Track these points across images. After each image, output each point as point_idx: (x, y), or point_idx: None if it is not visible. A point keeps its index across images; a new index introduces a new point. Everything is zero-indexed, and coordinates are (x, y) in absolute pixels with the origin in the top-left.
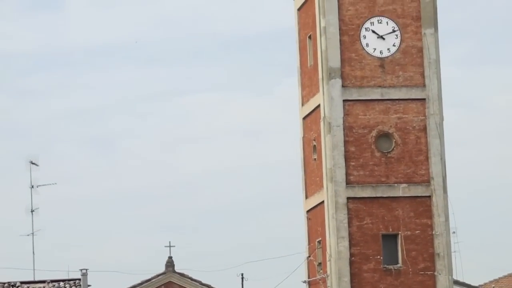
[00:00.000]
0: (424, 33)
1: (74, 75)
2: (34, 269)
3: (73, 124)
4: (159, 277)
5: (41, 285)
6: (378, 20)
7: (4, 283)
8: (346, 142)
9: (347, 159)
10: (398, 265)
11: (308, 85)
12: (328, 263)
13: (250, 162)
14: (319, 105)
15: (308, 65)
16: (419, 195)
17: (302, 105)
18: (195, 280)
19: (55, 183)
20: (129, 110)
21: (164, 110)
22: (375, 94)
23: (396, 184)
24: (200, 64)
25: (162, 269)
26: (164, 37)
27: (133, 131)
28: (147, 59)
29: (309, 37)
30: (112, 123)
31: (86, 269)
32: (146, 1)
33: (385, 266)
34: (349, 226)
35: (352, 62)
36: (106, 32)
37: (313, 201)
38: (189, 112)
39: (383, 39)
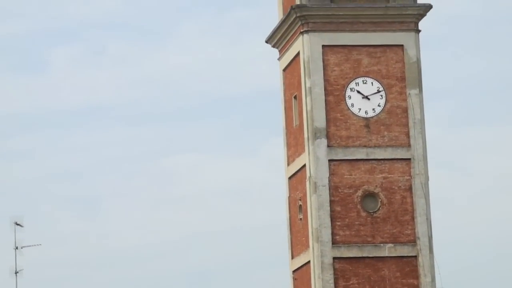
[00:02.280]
0: (409, 94)
1: (59, 136)
2: None
3: (58, 185)
4: None
5: None
6: (363, 81)
7: None
8: (332, 202)
9: (333, 219)
10: None
11: (294, 145)
12: None
13: (236, 222)
14: (304, 165)
15: (294, 125)
16: (405, 255)
17: (288, 165)
18: None
19: (40, 244)
20: (114, 170)
21: (149, 170)
22: (361, 154)
23: (382, 244)
24: (186, 124)
25: None
26: (149, 97)
27: (118, 192)
28: (131, 120)
29: (295, 97)
30: (97, 184)
31: None
32: (131, 62)
33: None
34: (335, 287)
35: (337, 122)
36: (90, 93)
37: (299, 261)
38: (175, 172)
39: (368, 99)
